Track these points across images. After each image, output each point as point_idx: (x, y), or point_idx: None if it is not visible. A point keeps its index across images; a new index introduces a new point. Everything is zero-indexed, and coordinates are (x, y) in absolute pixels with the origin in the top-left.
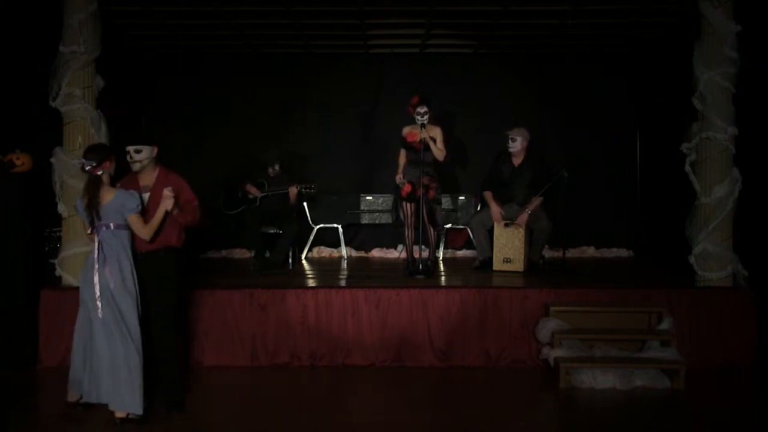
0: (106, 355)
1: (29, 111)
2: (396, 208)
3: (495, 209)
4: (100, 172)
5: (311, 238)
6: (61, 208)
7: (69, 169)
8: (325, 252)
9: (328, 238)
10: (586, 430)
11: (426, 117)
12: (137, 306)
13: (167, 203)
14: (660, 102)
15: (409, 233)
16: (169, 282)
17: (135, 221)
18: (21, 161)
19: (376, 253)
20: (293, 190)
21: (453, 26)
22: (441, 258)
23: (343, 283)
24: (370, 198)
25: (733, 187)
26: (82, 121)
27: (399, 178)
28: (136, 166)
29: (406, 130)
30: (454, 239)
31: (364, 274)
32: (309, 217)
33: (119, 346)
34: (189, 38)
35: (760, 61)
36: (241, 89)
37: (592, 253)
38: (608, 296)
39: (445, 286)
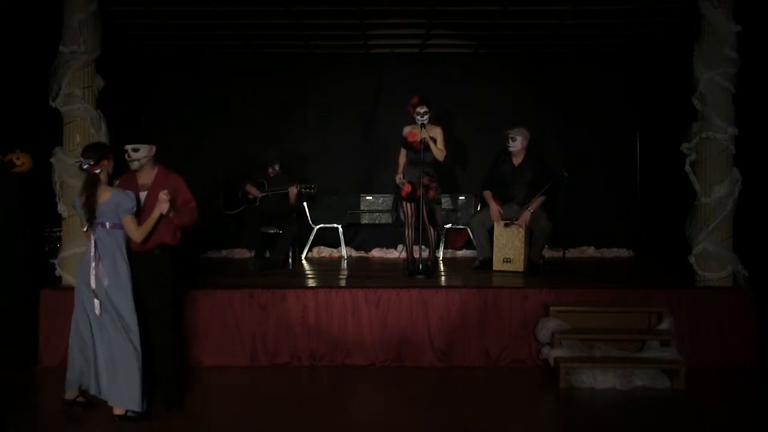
0: (103, 352)
1: (29, 111)
2: (396, 208)
3: (494, 208)
4: (97, 171)
5: (311, 238)
6: (61, 208)
7: (69, 169)
8: (325, 252)
9: (328, 238)
10: (586, 430)
11: (426, 117)
12: (133, 304)
13: (162, 207)
14: (660, 102)
15: (409, 233)
16: (164, 280)
17: (129, 223)
18: (21, 161)
19: (376, 253)
20: (293, 190)
21: (453, 26)
22: (441, 258)
23: (343, 283)
24: (370, 198)
25: (733, 187)
26: (82, 121)
27: (399, 178)
28: (134, 165)
29: (406, 130)
30: (454, 239)
31: (364, 274)
32: (309, 217)
33: (116, 344)
34: (189, 38)
35: (760, 61)
36: (241, 89)
37: (592, 253)
38: (608, 296)
39: (445, 286)
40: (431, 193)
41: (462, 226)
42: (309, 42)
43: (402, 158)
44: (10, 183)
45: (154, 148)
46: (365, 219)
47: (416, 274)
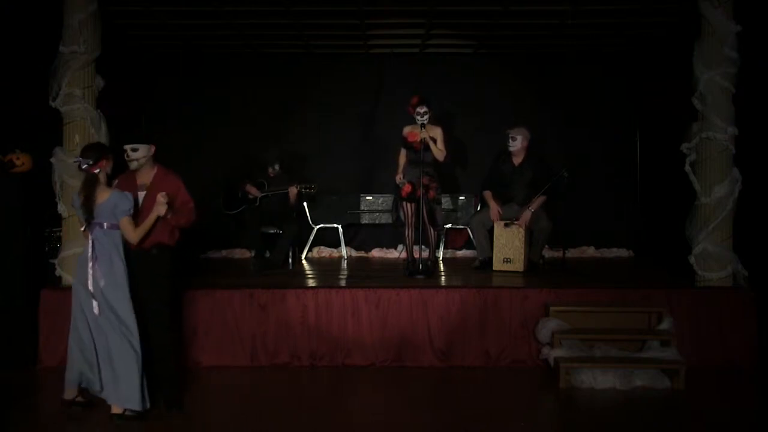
0: (103, 353)
1: (29, 111)
2: (396, 208)
3: (494, 208)
4: (96, 171)
5: (311, 238)
6: (61, 208)
7: (69, 169)
8: (325, 252)
9: (328, 238)
10: (586, 430)
11: (426, 117)
12: (131, 305)
13: (160, 209)
14: (660, 102)
15: (409, 233)
16: (162, 280)
17: (125, 224)
18: (21, 161)
19: (376, 253)
20: (293, 190)
21: (453, 26)
22: (441, 258)
23: (343, 283)
24: (370, 198)
25: (733, 187)
26: (82, 121)
27: (399, 178)
28: (133, 165)
29: (406, 130)
30: (454, 239)
31: (364, 274)
32: (309, 217)
33: (114, 345)
34: (189, 38)
35: (760, 61)
36: (241, 89)
37: (592, 253)
38: (608, 296)
39: (445, 286)
40: (431, 193)
41: (462, 226)
42: (309, 42)
43: (402, 158)
44: (10, 183)
45: (152, 148)
46: (365, 219)
47: (416, 274)
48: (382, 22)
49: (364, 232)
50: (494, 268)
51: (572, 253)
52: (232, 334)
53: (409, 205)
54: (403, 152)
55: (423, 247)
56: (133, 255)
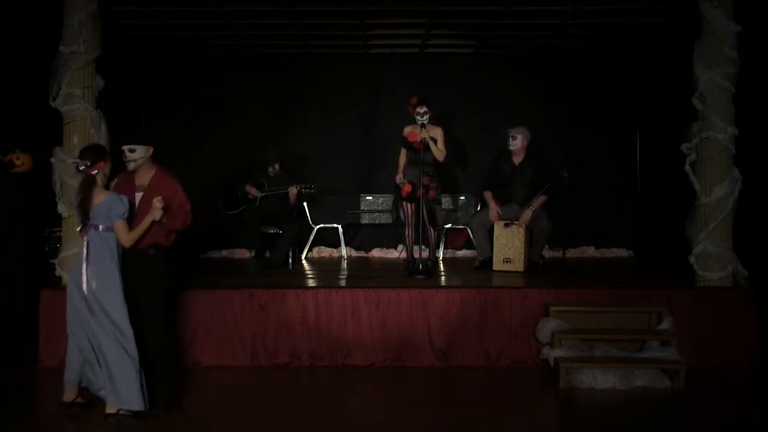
0: (99, 353)
1: (29, 111)
2: (396, 208)
3: (494, 209)
4: (94, 172)
5: (311, 238)
6: (61, 208)
7: (69, 169)
8: (325, 252)
9: (328, 238)
10: (586, 430)
11: (426, 117)
12: (125, 308)
13: (155, 214)
14: (660, 102)
15: (409, 233)
16: (159, 280)
17: (120, 227)
18: (21, 161)
19: (376, 253)
20: (293, 190)
21: (453, 26)
22: (441, 258)
23: (343, 283)
24: (370, 198)
25: (733, 187)
26: (82, 121)
27: (399, 178)
28: (131, 166)
29: (407, 130)
30: (454, 239)
31: (364, 274)
32: (309, 217)
33: (109, 351)
34: (189, 38)
35: (760, 61)
36: (241, 89)
37: (592, 253)
38: (608, 296)
39: (445, 286)
40: (431, 193)
41: (462, 226)
42: (309, 42)
43: (402, 158)
44: (10, 183)
45: (150, 149)
46: (365, 219)
47: (416, 274)
48: (382, 22)
49: (364, 232)
50: (494, 268)
51: (572, 253)
52: (232, 334)
53: (409, 205)
54: (403, 152)
55: (423, 247)
56: (129, 255)
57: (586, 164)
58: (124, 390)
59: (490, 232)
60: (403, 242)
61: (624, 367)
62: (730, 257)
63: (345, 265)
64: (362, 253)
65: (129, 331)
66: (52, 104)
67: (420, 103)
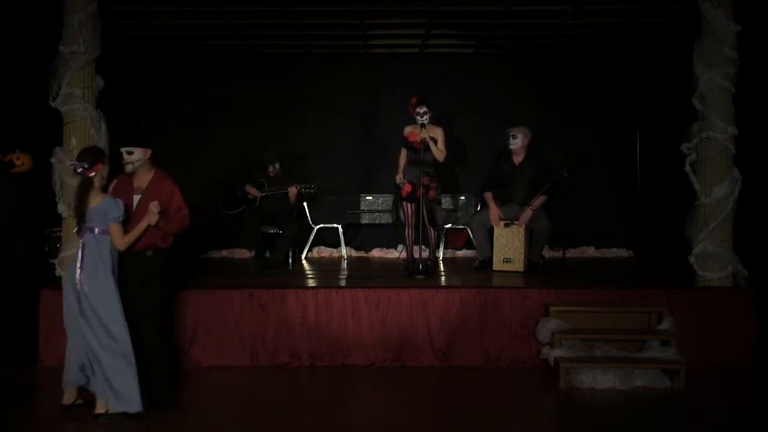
0: (91, 357)
1: (29, 111)
2: (396, 208)
3: (494, 211)
4: (92, 174)
5: (311, 238)
6: (61, 208)
7: (69, 169)
8: (325, 252)
9: (328, 238)
10: (586, 430)
11: (426, 117)
12: (120, 309)
13: (151, 218)
14: (660, 102)
15: (409, 233)
16: (155, 282)
17: (114, 230)
18: (21, 161)
19: (376, 253)
20: (293, 190)
21: (453, 26)
22: (441, 258)
23: (343, 283)
24: (370, 198)
25: (733, 187)
26: (82, 121)
27: (399, 178)
28: (128, 168)
29: (407, 130)
30: (454, 239)
31: (364, 274)
32: (309, 217)
33: (100, 352)
34: (189, 38)
35: (760, 61)
36: (241, 89)
37: (592, 253)
38: (608, 296)
39: (445, 286)
40: (431, 193)
41: (462, 226)
42: (309, 42)
43: (402, 158)
44: (10, 183)
45: (149, 152)
46: (365, 219)
47: (416, 274)
48: (382, 22)
49: (364, 232)
50: (494, 268)
51: (572, 253)
52: (232, 334)
53: (409, 205)
54: (403, 152)
55: (423, 247)
56: (126, 257)
57: (586, 164)
58: (123, 392)
59: (490, 232)
60: (403, 242)
61: (624, 367)
62: (730, 257)
63: (345, 265)
64: (362, 253)
65: (123, 333)
66: (52, 104)
67: (420, 103)
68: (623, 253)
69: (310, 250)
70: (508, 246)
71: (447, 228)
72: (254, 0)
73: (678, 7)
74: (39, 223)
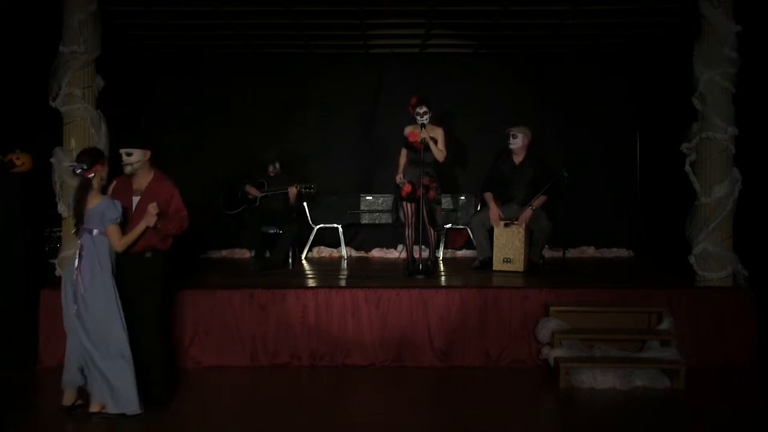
0: (88, 360)
1: (29, 111)
2: (396, 208)
3: (494, 211)
4: (91, 176)
5: (311, 238)
6: (61, 208)
7: (68, 169)
8: (325, 252)
9: (328, 238)
10: (586, 430)
11: (426, 117)
12: (118, 310)
13: (149, 220)
14: (660, 102)
15: (409, 233)
16: (154, 283)
17: (112, 232)
18: (21, 161)
19: (376, 253)
20: (293, 190)
21: (453, 26)
22: (441, 258)
23: (343, 283)
24: (370, 198)
25: (733, 187)
26: (82, 121)
27: (399, 178)
28: (127, 169)
29: (408, 130)
30: (454, 239)
31: (364, 274)
32: (309, 217)
33: (96, 355)
34: (189, 38)
35: (760, 61)
36: (241, 89)
37: (592, 253)
38: (608, 296)
39: (445, 286)
40: (431, 193)
41: (462, 226)
42: (309, 42)
43: (402, 158)
44: (10, 183)
45: (148, 153)
46: (365, 219)
47: (416, 274)
48: (382, 22)
49: (364, 232)
50: (494, 268)
51: (572, 253)
52: (232, 334)
53: (409, 205)
54: (403, 152)
55: (423, 247)
56: (125, 258)
57: (586, 164)
58: (121, 392)
59: (490, 232)
60: (403, 242)
61: (624, 367)
62: (730, 257)
63: (345, 265)
64: (362, 253)
65: (121, 333)
66: (52, 104)
67: (420, 103)
68: (623, 253)
69: (310, 250)
70: (508, 246)
71: (447, 228)
72: (254, 0)
73: (678, 7)
74: (39, 223)
